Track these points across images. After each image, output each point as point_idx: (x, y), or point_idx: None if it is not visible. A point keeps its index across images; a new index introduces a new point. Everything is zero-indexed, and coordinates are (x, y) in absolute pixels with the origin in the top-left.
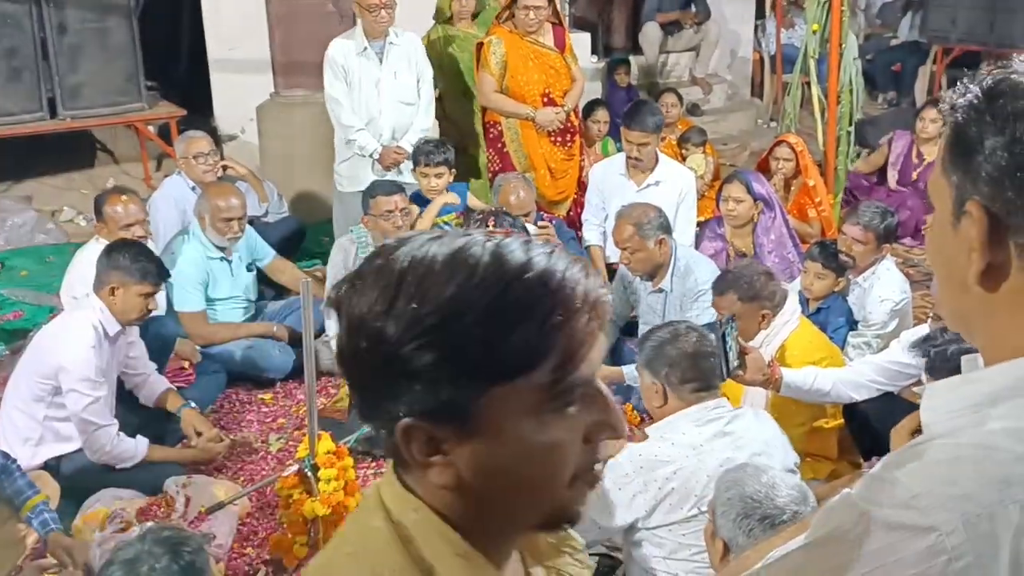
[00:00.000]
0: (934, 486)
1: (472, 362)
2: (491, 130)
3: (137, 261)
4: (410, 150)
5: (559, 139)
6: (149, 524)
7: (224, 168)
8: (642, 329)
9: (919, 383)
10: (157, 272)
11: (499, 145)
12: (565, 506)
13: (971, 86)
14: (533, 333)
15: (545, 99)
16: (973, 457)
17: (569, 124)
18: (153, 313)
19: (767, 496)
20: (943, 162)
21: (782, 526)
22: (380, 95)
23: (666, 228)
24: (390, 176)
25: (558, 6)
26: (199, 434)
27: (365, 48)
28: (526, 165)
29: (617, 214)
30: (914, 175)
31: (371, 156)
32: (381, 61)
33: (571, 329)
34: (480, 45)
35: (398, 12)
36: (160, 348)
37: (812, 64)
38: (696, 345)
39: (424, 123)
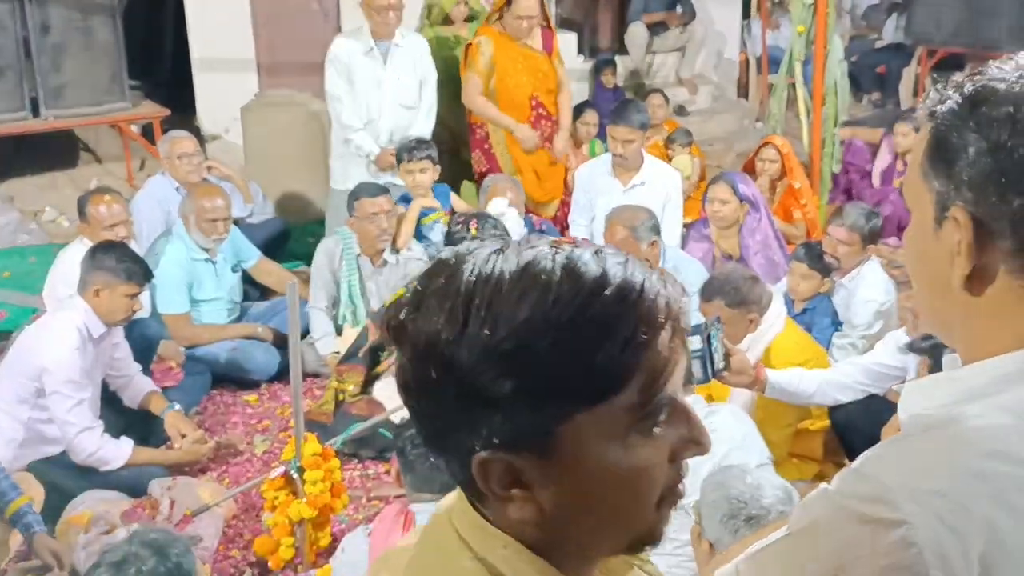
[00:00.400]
0: (906, 480)
1: (553, 388)
2: (477, 131)
3: (122, 262)
4: None
5: (544, 142)
6: (135, 526)
7: (208, 169)
8: None
9: (904, 383)
10: (142, 272)
11: (485, 146)
12: (651, 528)
13: (950, 92)
14: (617, 353)
15: (533, 102)
16: (946, 452)
17: (554, 127)
18: (138, 314)
19: (752, 497)
20: (922, 168)
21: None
22: (382, 96)
23: (657, 230)
24: (385, 178)
25: (548, 10)
26: (183, 436)
27: (371, 48)
28: (512, 168)
29: (608, 216)
30: (896, 181)
31: (367, 157)
32: (385, 62)
33: (656, 346)
34: (468, 46)
35: None
36: (144, 349)
37: (798, 66)
38: None
39: (424, 127)
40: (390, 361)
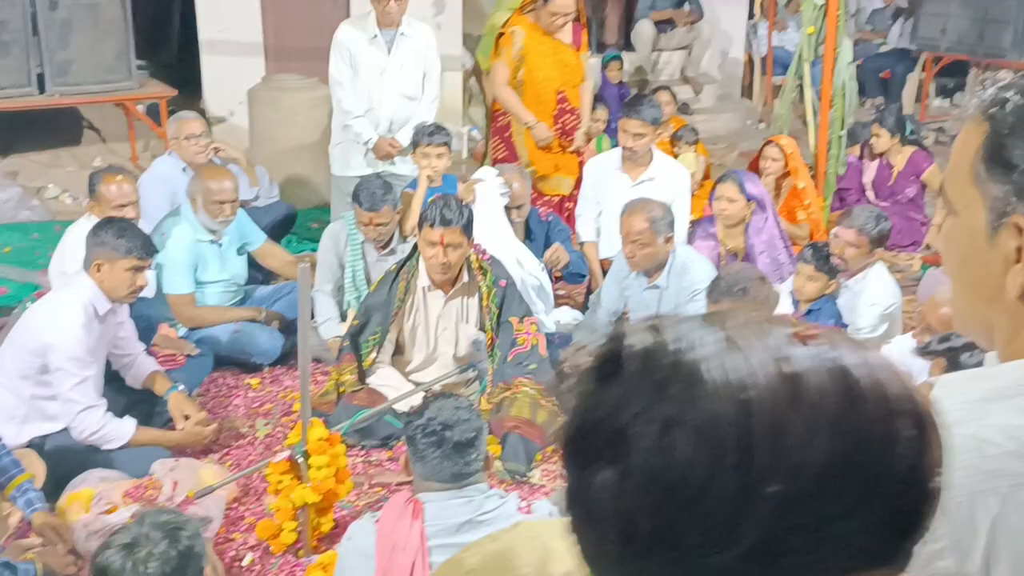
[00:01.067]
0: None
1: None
2: (499, 118)
3: (120, 236)
4: (405, 143)
5: (560, 136)
6: (136, 506)
7: (216, 151)
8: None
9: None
10: (142, 246)
11: (506, 134)
12: None
13: (1010, 94)
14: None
15: (559, 96)
16: (964, 448)
17: (577, 120)
18: (143, 293)
19: None
20: (974, 170)
21: None
22: (383, 85)
23: (672, 225)
24: (383, 167)
25: (583, 6)
26: (186, 417)
27: (375, 36)
28: (527, 159)
29: (627, 207)
30: (890, 181)
31: (366, 145)
32: (389, 51)
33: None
34: (501, 34)
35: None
36: (144, 329)
37: (806, 67)
38: None
39: (425, 118)
40: (373, 356)
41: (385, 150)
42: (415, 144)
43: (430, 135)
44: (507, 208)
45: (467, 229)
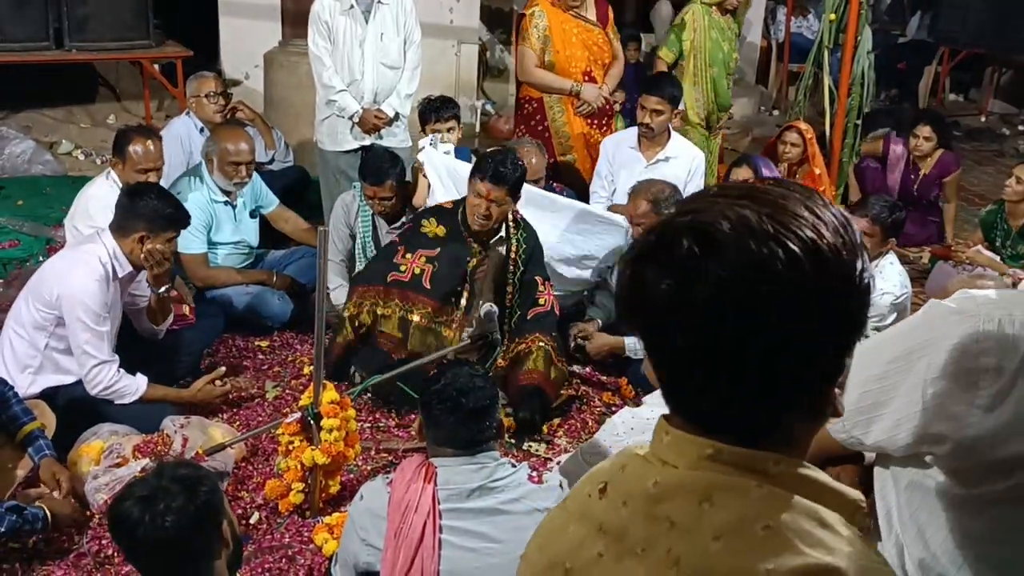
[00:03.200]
0: (992, 298)
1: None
2: (526, 106)
3: (165, 210)
4: (391, 114)
5: (595, 121)
6: (145, 461)
7: (233, 111)
8: None
9: None
10: (184, 217)
11: (532, 122)
12: None
13: None
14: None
15: (587, 77)
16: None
17: (607, 106)
18: None
19: None
20: None
21: None
22: (364, 56)
23: None
24: (371, 140)
25: None
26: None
27: (351, 6)
28: (566, 146)
29: (633, 189)
30: (914, 189)
31: (351, 119)
32: (367, 20)
33: None
34: (522, 17)
35: None
36: None
37: (826, 54)
38: None
39: (408, 88)
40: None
41: (371, 122)
42: (424, 122)
43: (436, 110)
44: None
45: (514, 189)
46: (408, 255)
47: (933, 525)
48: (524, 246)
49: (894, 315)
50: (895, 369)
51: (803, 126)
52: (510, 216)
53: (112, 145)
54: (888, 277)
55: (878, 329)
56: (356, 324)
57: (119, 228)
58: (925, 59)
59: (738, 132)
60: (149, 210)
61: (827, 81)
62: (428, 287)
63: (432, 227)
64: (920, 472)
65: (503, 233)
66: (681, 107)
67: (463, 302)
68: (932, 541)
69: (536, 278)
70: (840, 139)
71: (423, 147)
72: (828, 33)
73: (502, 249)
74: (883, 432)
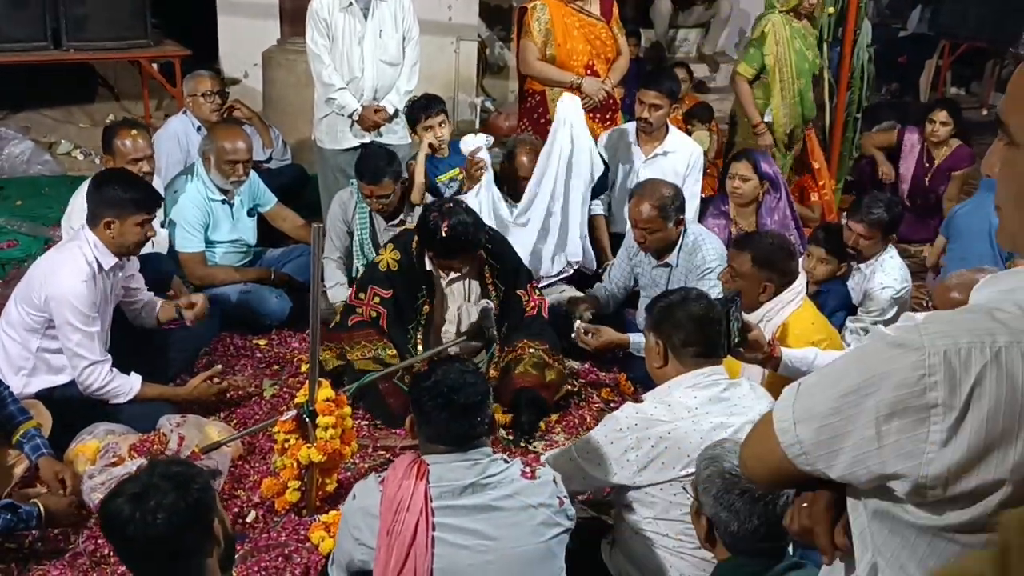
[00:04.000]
0: (937, 323)
1: None
2: (529, 99)
3: (127, 191)
4: (391, 111)
5: (598, 115)
6: (141, 460)
7: (231, 110)
8: (643, 302)
9: None
10: (150, 199)
11: (535, 115)
12: None
13: None
14: None
15: (588, 71)
16: (978, 311)
17: (611, 100)
18: (154, 249)
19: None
20: None
21: (763, 498)
22: (363, 53)
23: (683, 208)
24: (370, 138)
25: None
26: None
27: (350, 3)
28: None
29: (635, 191)
30: (926, 180)
31: (351, 116)
32: (366, 17)
33: None
34: (523, 11)
35: None
36: (157, 284)
37: (825, 48)
38: (703, 311)
39: (407, 85)
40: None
41: (371, 120)
42: (414, 122)
43: (425, 108)
44: (519, 179)
45: (477, 248)
46: (361, 295)
47: (905, 551)
48: (497, 267)
49: (895, 309)
50: (847, 404)
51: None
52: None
53: (101, 142)
54: (889, 271)
55: (878, 323)
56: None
57: (91, 219)
58: (926, 53)
59: None
60: (114, 195)
61: (827, 75)
62: (386, 330)
63: (387, 255)
64: (886, 502)
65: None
66: (768, 118)
67: (419, 349)
68: (907, 567)
69: (517, 293)
70: (840, 133)
71: (479, 146)
72: (827, 27)
73: (469, 280)
74: (845, 467)
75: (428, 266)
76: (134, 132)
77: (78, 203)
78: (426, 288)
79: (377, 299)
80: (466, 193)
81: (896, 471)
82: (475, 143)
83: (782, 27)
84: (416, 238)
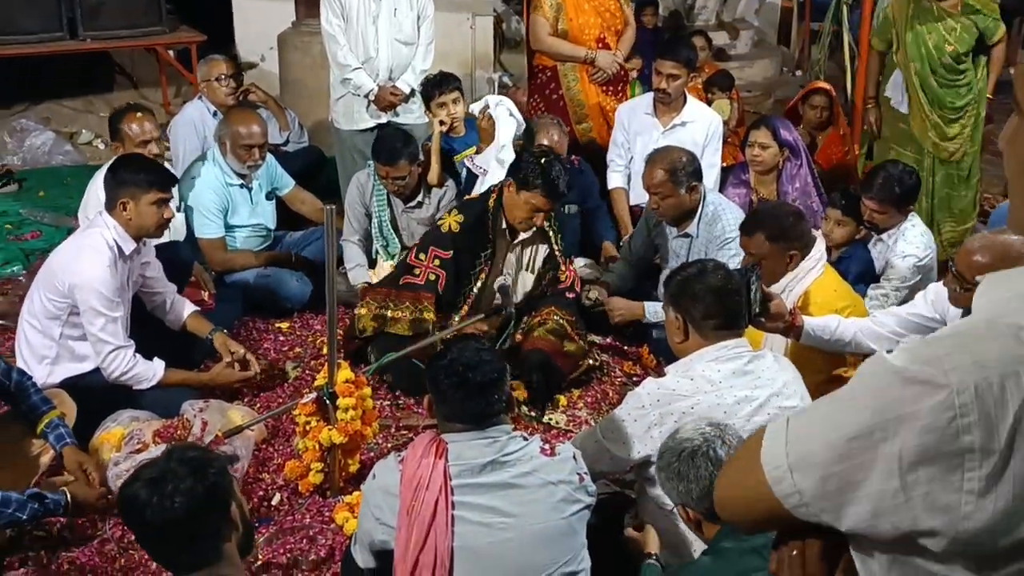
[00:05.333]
0: (958, 352)
1: None
2: (540, 75)
3: (139, 171)
4: (407, 90)
5: (611, 88)
6: (164, 446)
7: (246, 93)
8: (664, 273)
9: None
10: (163, 178)
11: (546, 91)
12: None
13: None
14: None
15: (600, 44)
16: (1002, 333)
17: (623, 73)
18: (172, 238)
19: (672, 439)
20: None
21: (699, 452)
22: (378, 33)
23: (698, 174)
24: (387, 118)
25: None
26: (232, 353)
27: None
28: (581, 115)
29: (648, 158)
30: None
31: (367, 96)
32: None
33: None
34: None
35: None
36: (178, 272)
37: (845, 11)
38: (722, 282)
39: (423, 64)
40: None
41: (387, 100)
42: (428, 99)
43: (439, 85)
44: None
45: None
46: (422, 255)
47: None
48: (559, 234)
49: (918, 277)
50: (857, 449)
51: (827, 86)
52: None
53: (108, 131)
54: (910, 239)
55: (899, 291)
56: (359, 328)
57: (109, 203)
58: None
59: (760, 94)
60: (127, 176)
61: (847, 38)
62: (441, 292)
63: (450, 218)
64: (911, 556)
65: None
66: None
67: (463, 312)
68: None
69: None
70: (862, 98)
71: (496, 103)
72: None
73: (529, 250)
74: (859, 520)
75: (504, 224)
76: (139, 115)
77: (92, 193)
78: (485, 254)
79: (437, 261)
80: (482, 153)
81: (930, 527)
82: (481, 104)
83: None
84: (493, 199)
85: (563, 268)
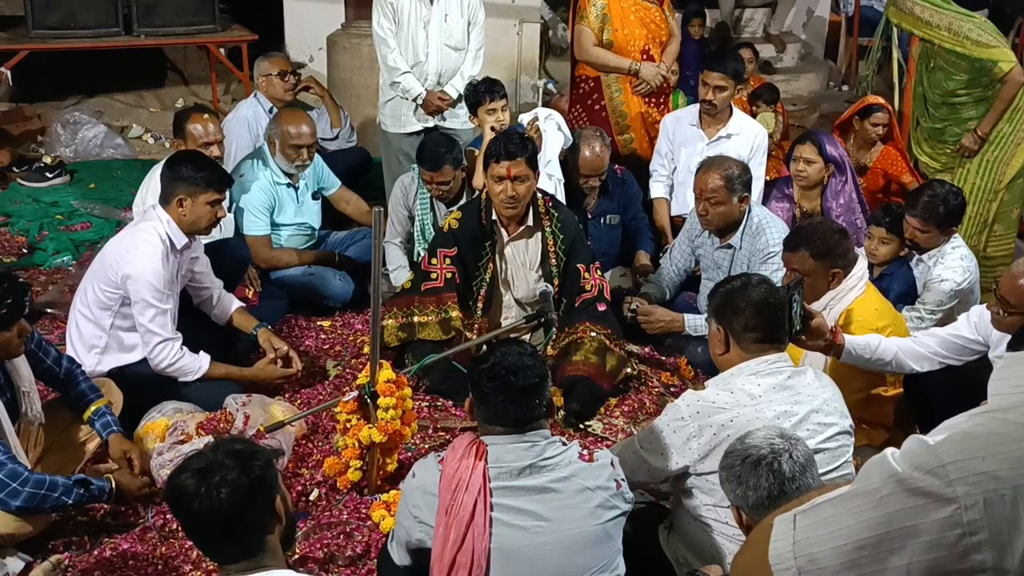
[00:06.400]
0: (964, 458)
1: None
2: (582, 85)
3: (200, 171)
4: (454, 95)
5: (653, 99)
6: (208, 437)
7: (307, 87)
8: (705, 285)
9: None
10: (221, 179)
11: (588, 101)
12: None
13: None
14: None
15: (644, 55)
16: (1012, 436)
17: (664, 83)
18: (223, 235)
19: (741, 442)
20: None
21: (763, 462)
22: (428, 37)
23: (749, 185)
24: (434, 122)
25: None
26: (276, 349)
27: None
28: (624, 126)
29: (702, 163)
30: None
31: (415, 100)
32: (432, 2)
33: None
34: None
35: None
36: (235, 269)
37: (895, 27)
38: (765, 295)
39: (472, 69)
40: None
41: (435, 104)
42: (476, 105)
43: (488, 91)
44: (587, 175)
45: (532, 162)
46: (434, 260)
47: None
48: (561, 236)
49: (955, 301)
50: (864, 559)
51: (884, 102)
52: (540, 202)
53: (172, 127)
54: (949, 263)
55: (934, 314)
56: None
57: (164, 198)
58: (1001, 32)
59: (805, 108)
60: (186, 174)
61: (896, 54)
62: (460, 287)
63: (449, 219)
64: None
65: (530, 222)
66: None
67: (480, 307)
68: None
69: (578, 266)
70: (911, 114)
71: (546, 116)
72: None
73: (529, 241)
74: None
75: (495, 216)
76: (205, 116)
77: (152, 185)
78: (488, 246)
79: (448, 260)
80: None
81: None
82: (530, 115)
83: None
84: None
85: (586, 277)
